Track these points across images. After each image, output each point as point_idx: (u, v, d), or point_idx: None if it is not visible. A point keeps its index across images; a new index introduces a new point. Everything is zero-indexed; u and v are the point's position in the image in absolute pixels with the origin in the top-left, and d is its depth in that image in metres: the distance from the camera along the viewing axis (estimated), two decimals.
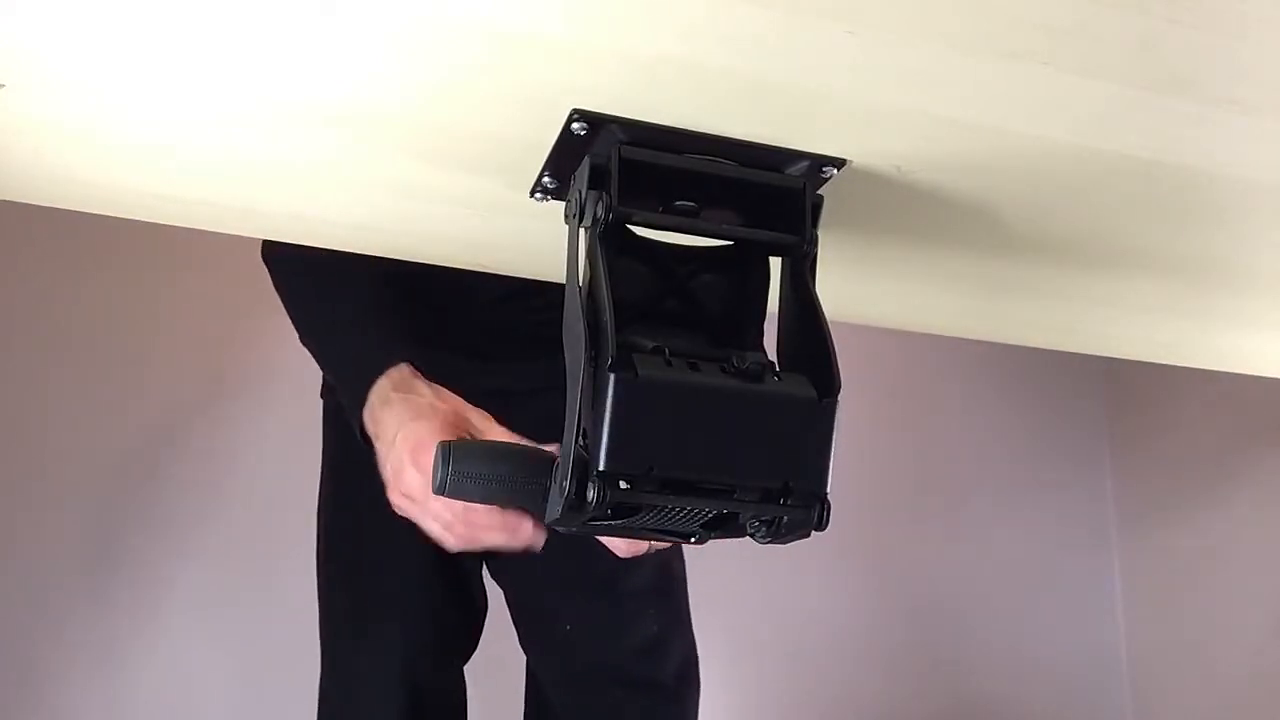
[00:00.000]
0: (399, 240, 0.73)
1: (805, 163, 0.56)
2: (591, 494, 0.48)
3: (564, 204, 0.57)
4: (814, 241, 0.55)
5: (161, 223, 0.68)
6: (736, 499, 0.51)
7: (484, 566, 1.17)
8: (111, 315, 2.01)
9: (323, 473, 1.20)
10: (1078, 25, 0.47)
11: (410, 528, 0.79)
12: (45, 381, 1.94)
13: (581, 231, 0.53)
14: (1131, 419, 2.71)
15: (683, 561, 1.18)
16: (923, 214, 0.65)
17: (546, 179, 0.58)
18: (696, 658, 1.17)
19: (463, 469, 0.62)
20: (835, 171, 0.57)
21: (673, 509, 0.50)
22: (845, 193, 0.60)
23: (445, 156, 0.59)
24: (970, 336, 0.91)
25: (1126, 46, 0.48)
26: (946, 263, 0.73)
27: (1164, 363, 0.98)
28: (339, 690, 1.11)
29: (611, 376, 0.48)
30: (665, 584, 1.15)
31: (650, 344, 0.51)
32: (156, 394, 2.02)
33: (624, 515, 0.51)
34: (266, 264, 1.01)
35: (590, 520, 0.51)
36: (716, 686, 1.28)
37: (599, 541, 0.77)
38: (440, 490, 0.62)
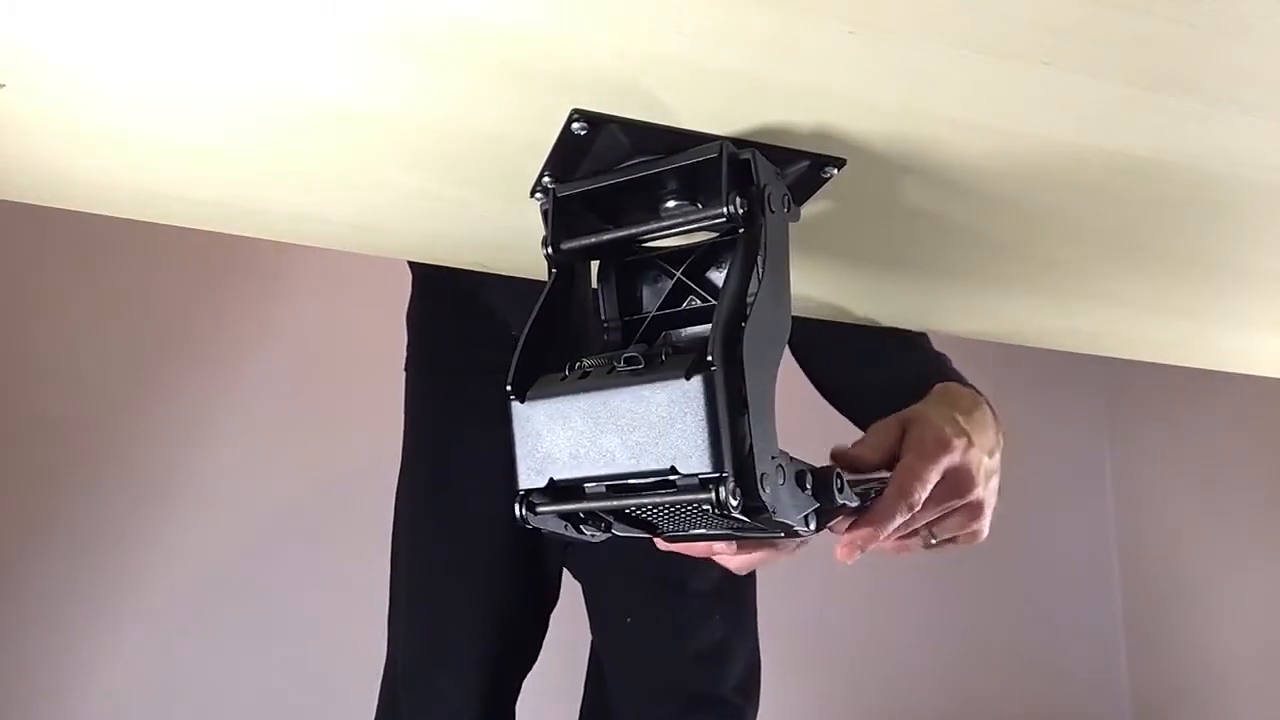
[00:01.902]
0: (399, 240, 0.73)
1: (805, 163, 0.56)
2: (519, 512, 0.53)
3: None
4: (741, 204, 0.52)
5: (161, 222, 0.68)
6: (665, 492, 0.50)
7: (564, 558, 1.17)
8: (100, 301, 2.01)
9: (401, 475, 1.20)
10: (1078, 25, 0.47)
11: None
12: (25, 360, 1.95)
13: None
14: (1131, 419, 2.71)
15: None
16: (923, 214, 0.65)
17: (546, 179, 0.58)
18: (759, 667, 1.16)
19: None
20: (835, 171, 0.57)
21: (629, 510, 0.52)
22: (846, 193, 0.60)
23: (445, 156, 0.59)
24: (970, 336, 0.91)
25: (1127, 46, 0.48)
26: (946, 262, 0.73)
27: (1164, 363, 0.98)
28: (414, 696, 1.10)
29: (511, 405, 0.53)
30: (735, 588, 1.14)
31: (586, 362, 0.53)
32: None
33: (596, 525, 0.54)
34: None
35: (570, 531, 0.55)
36: None
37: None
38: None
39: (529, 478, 0.53)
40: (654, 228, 0.56)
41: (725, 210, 0.52)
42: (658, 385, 0.50)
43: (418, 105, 0.53)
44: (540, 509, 0.53)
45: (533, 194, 0.59)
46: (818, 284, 0.76)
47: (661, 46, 0.48)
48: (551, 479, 0.52)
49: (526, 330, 0.55)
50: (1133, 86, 0.51)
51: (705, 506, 0.49)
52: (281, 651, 1.98)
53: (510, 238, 0.69)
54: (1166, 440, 2.62)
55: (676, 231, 0.56)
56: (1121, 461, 2.73)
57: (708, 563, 0.77)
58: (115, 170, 0.61)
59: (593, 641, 1.20)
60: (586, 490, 0.52)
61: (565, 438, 0.52)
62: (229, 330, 2.09)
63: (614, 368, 0.52)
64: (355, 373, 1.94)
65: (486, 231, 0.69)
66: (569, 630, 1.20)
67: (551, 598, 1.18)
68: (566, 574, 1.20)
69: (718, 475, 0.48)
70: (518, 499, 0.53)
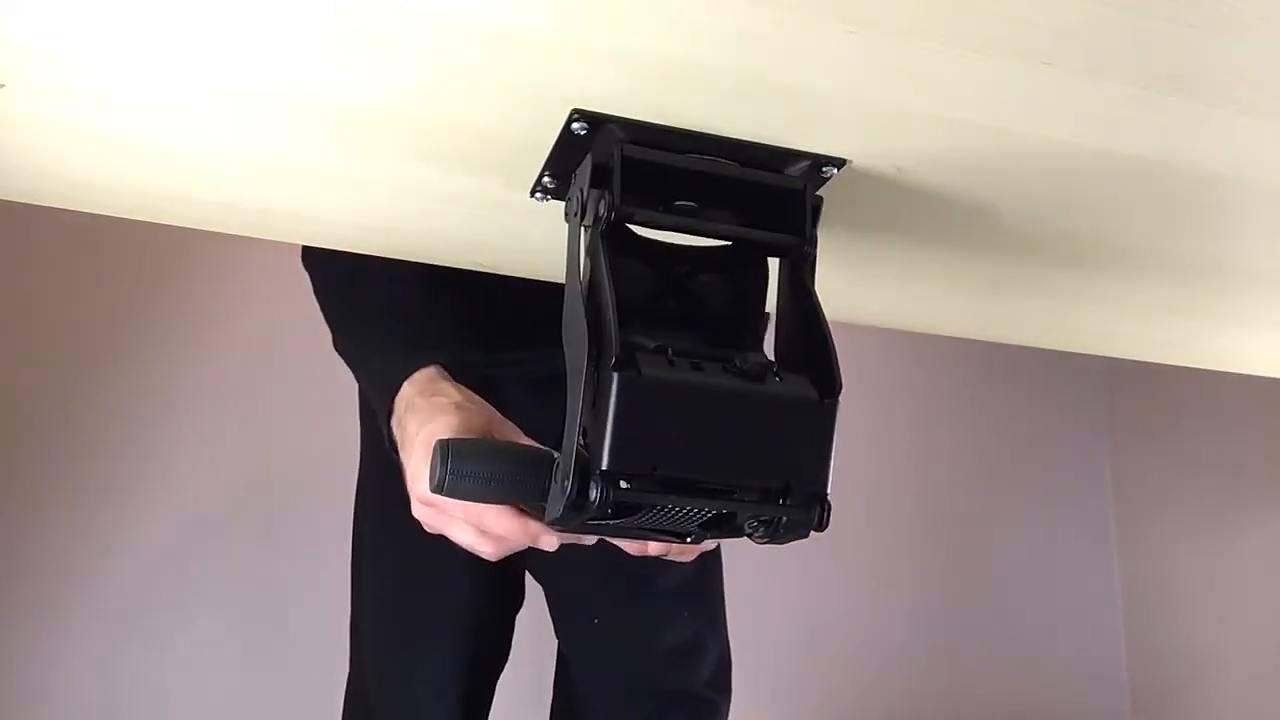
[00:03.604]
0: (399, 240, 0.73)
1: (805, 163, 0.56)
2: (594, 494, 0.48)
3: (564, 203, 0.57)
4: (814, 242, 0.55)
5: (160, 222, 0.68)
6: (737, 499, 0.51)
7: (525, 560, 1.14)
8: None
9: (360, 476, 1.18)
10: (1079, 25, 0.47)
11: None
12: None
13: (582, 230, 0.53)
14: (1131, 419, 2.71)
15: (719, 559, 1.16)
16: (923, 214, 0.65)
17: (546, 179, 0.58)
18: (730, 660, 1.15)
19: (461, 468, 0.61)
20: (835, 171, 0.57)
21: (673, 508, 0.50)
22: (845, 193, 0.60)
23: (445, 156, 0.59)
24: (970, 336, 0.91)
25: (1127, 46, 0.48)
26: (947, 263, 0.73)
27: (1164, 363, 0.98)
28: (390, 704, 1.09)
29: (615, 376, 0.47)
30: (702, 582, 1.13)
31: (652, 343, 0.51)
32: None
33: (623, 515, 0.51)
34: (307, 270, 0.99)
35: (591, 520, 0.51)
36: None
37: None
38: (439, 489, 0.61)
39: (621, 459, 0.47)
40: (703, 226, 0.55)
41: (804, 245, 0.54)
42: (792, 401, 0.50)
43: (418, 105, 0.53)
44: (630, 493, 0.48)
45: (533, 194, 0.59)
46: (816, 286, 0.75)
47: (661, 47, 0.48)
48: (655, 466, 0.48)
49: (616, 296, 0.50)
50: (1133, 86, 0.51)
51: (791, 519, 0.51)
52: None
53: (510, 238, 0.69)
54: (1167, 440, 2.62)
55: (721, 235, 0.56)
56: (1121, 461, 2.73)
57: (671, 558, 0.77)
58: (115, 170, 0.61)
59: (558, 644, 1.18)
60: (682, 485, 0.49)
61: (677, 427, 0.48)
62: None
63: (727, 368, 0.50)
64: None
65: (486, 231, 0.69)
66: (539, 631, 1.19)
67: (519, 598, 1.16)
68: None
69: (823, 496, 0.49)
70: (600, 475, 0.48)
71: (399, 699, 1.08)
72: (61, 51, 0.49)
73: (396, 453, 0.82)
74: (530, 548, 1.04)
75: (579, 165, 0.55)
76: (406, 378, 0.82)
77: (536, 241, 0.67)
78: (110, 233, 1.94)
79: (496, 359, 0.98)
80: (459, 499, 0.66)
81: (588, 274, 0.52)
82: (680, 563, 1.05)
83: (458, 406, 0.78)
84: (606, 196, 0.51)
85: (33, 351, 1.95)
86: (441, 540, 0.77)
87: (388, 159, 0.59)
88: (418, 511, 0.76)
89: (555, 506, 0.51)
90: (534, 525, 0.71)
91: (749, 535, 0.54)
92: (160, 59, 0.50)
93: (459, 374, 0.83)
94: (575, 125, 0.52)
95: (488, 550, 0.74)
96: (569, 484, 0.49)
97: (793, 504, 0.51)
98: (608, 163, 0.52)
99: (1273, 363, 0.99)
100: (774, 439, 0.50)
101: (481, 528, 0.72)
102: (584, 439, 0.49)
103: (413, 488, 0.77)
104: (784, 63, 0.49)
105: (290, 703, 1.89)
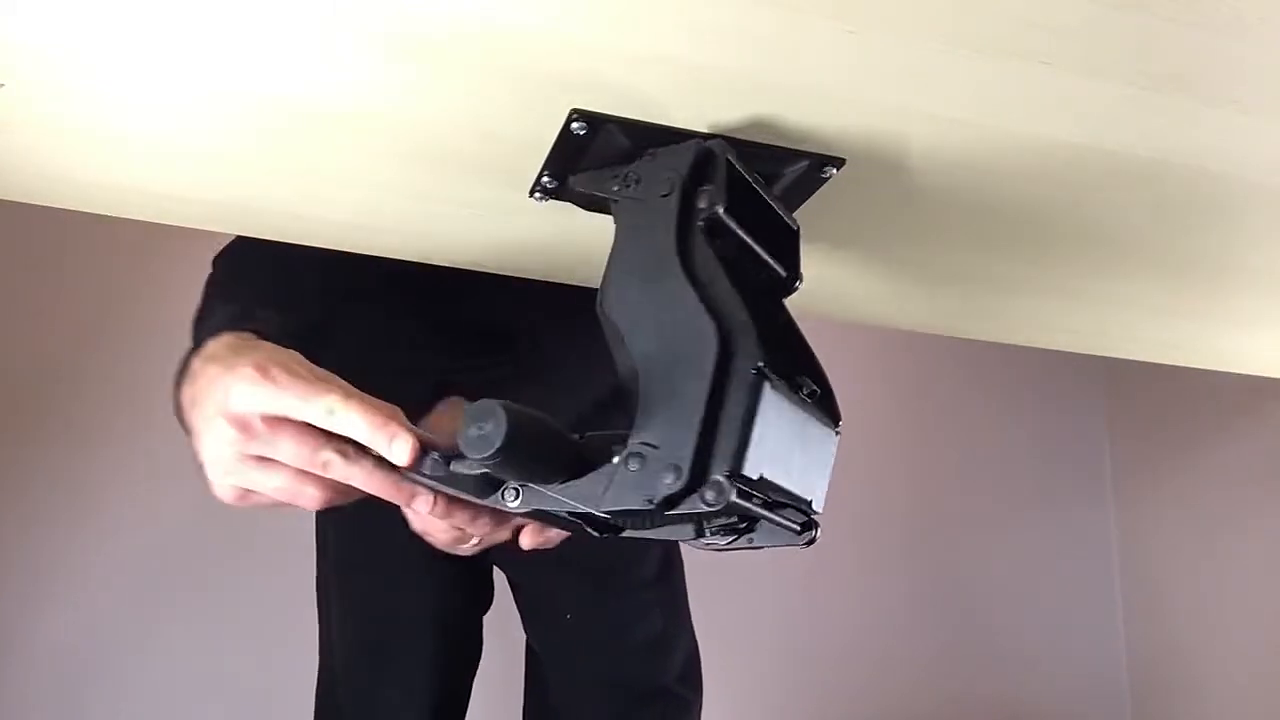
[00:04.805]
0: (399, 240, 0.73)
1: (804, 162, 0.56)
2: (714, 495, 0.47)
3: (625, 183, 0.54)
4: (800, 279, 0.58)
5: (161, 222, 0.68)
6: (793, 513, 0.53)
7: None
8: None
9: None
10: (1079, 25, 0.47)
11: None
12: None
13: (675, 222, 0.51)
14: (1131, 419, 2.72)
15: (680, 557, 1.17)
16: (923, 214, 0.65)
17: (546, 179, 0.58)
18: (699, 659, 1.16)
19: (520, 434, 0.50)
20: (835, 171, 0.57)
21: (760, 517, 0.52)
22: (845, 192, 0.60)
23: (445, 156, 0.59)
24: (970, 336, 0.91)
25: (1127, 46, 0.48)
26: (946, 262, 0.73)
27: (1164, 363, 0.98)
28: (360, 709, 1.08)
29: (766, 385, 0.48)
30: (668, 576, 1.14)
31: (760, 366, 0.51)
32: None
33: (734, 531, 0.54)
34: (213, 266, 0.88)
35: (633, 511, 0.51)
36: (719, 686, 1.28)
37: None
38: (490, 459, 0.50)
39: (750, 464, 0.47)
40: (760, 248, 0.55)
41: (797, 280, 0.57)
42: (829, 427, 0.53)
43: (418, 105, 0.53)
44: (741, 499, 0.48)
45: (532, 193, 0.59)
46: (815, 285, 0.76)
47: (661, 46, 0.48)
48: (762, 475, 0.48)
49: (752, 306, 0.50)
50: (1133, 86, 0.51)
51: (796, 536, 0.53)
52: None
53: (510, 238, 0.69)
54: (1166, 440, 2.62)
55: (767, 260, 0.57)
56: (1121, 461, 2.73)
57: (640, 552, 0.76)
58: (115, 170, 0.61)
59: (528, 641, 1.18)
60: (765, 495, 0.50)
61: (779, 441, 0.49)
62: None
63: (796, 388, 0.52)
64: None
65: (486, 231, 0.69)
66: (514, 629, 1.18)
67: (488, 596, 1.16)
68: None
69: (815, 515, 0.52)
70: (728, 476, 0.47)
71: (370, 701, 1.07)
72: (61, 51, 0.49)
73: (188, 430, 0.65)
74: (501, 546, 1.01)
75: (663, 145, 0.53)
76: (214, 336, 0.66)
77: (536, 241, 0.67)
78: (104, 231, 1.94)
79: (457, 365, 0.97)
80: (498, 474, 0.55)
81: (694, 266, 0.50)
82: (648, 556, 1.04)
83: (259, 346, 0.63)
84: (710, 191, 0.51)
85: (26, 349, 1.95)
86: (412, 541, 0.73)
87: (388, 159, 0.59)
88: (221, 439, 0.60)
89: (631, 496, 0.49)
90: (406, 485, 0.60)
91: (700, 536, 0.53)
92: (160, 59, 0.50)
93: (413, 379, 0.81)
94: (575, 125, 0.53)
95: (312, 494, 0.60)
96: (675, 480, 0.47)
97: (803, 517, 0.53)
98: (712, 160, 0.52)
99: (1272, 363, 0.99)
100: (810, 458, 0.52)
101: (320, 462, 0.58)
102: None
103: (224, 405, 0.59)
104: (784, 62, 0.49)
105: (282, 700, 1.89)
